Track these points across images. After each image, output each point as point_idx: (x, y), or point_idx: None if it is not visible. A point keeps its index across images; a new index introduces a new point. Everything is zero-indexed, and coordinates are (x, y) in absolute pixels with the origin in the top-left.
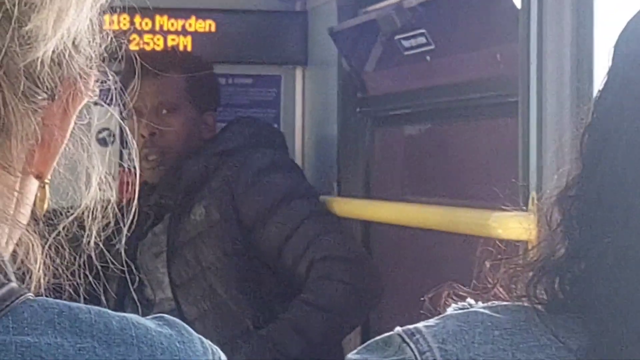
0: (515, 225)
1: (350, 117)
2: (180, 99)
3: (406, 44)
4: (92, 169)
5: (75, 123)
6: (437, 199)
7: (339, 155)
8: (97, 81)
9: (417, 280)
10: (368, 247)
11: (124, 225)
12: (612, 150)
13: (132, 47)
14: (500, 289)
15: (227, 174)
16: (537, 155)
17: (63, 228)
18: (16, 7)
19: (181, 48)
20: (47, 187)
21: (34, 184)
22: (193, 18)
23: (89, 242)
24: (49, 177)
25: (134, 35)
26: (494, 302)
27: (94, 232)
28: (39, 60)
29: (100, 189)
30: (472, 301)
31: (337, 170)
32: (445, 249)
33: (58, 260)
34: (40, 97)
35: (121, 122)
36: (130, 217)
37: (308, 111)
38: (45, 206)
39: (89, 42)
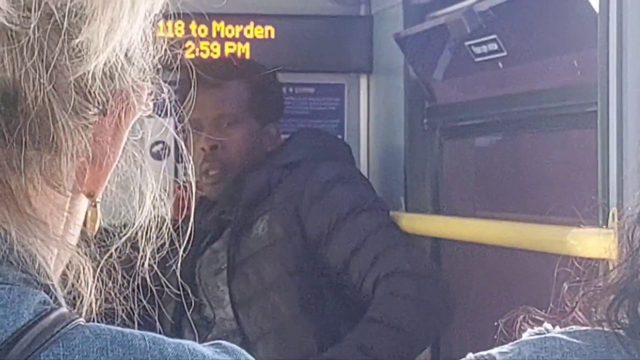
0: (594, 244)
1: (417, 127)
2: (242, 110)
3: (477, 50)
4: (146, 186)
5: (127, 138)
6: (511, 215)
7: (406, 168)
8: (150, 93)
9: (490, 301)
10: (438, 265)
11: (180, 245)
12: None
13: (188, 55)
14: (579, 313)
15: (291, 188)
16: (618, 168)
17: (116, 249)
18: (66, 18)
19: (239, 56)
20: (98, 206)
21: (84, 203)
22: (252, 24)
23: (143, 263)
24: (101, 195)
25: (190, 43)
26: (572, 327)
27: (148, 253)
28: (90, 73)
29: (154, 207)
30: (549, 326)
31: (405, 184)
32: (520, 267)
33: (111, 284)
34: (91, 112)
35: (176, 135)
36: (187, 236)
37: (373, 122)
38: (97, 226)
39: (142, 53)
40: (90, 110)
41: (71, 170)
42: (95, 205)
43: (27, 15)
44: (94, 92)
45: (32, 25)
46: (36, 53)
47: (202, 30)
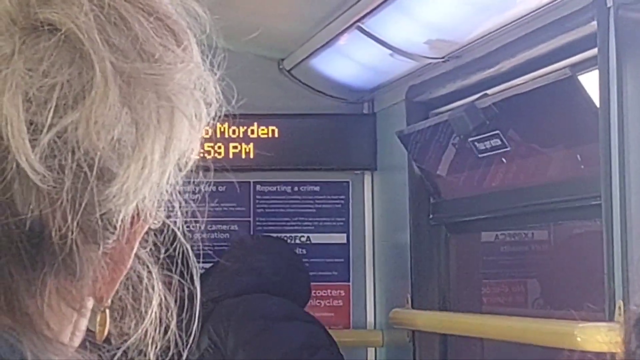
0: (601, 338)
1: (423, 223)
2: None
3: (480, 146)
4: (152, 289)
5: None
6: (518, 310)
7: (412, 264)
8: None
9: None
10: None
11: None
12: None
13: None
14: None
15: (212, 333)
16: (622, 260)
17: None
18: (95, 175)
19: (243, 155)
20: (107, 311)
21: (91, 307)
22: (255, 124)
23: None
24: (109, 302)
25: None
26: None
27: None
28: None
29: (161, 310)
30: None
31: (411, 280)
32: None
33: None
34: (110, 241)
35: (186, 244)
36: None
37: (378, 218)
38: (106, 332)
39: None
40: (110, 239)
41: (85, 289)
42: (104, 311)
43: (61, 177)
44: (116, 223)
45: (65, 187)
46: (67, 205)
47: (206, 131)
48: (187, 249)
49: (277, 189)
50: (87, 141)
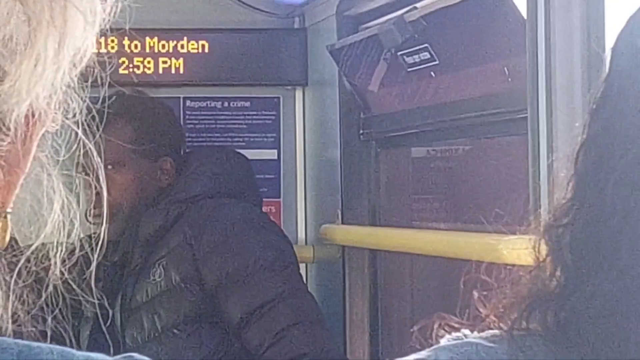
0: (526, 250)
1: (353, 139)
2: (126, 151)
3: (409, 60)
4: (53, 192)
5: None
6: (447, 224)
7: (342, 180)
8: (60, 107)
9: (428, 311)
10: (375, 275)
11: (93, 259)
12: (604, 177)
13: (122, 71)
14: (494, 319)
15: (189, 229)
16: (548, 174)
17: (26, 261)
18: None
19: (173, 70)
20: (9, 217)
21: None
22: (185, 39)
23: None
24: (10, 207)
25: (123, 59)
26: (488, 332)
27: (59, 265)
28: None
29: (63, 214)
30: (467, 332)
31: (341, 196)
32: (455, 276)
33: (22, 300)
34: (5, 143)
35: (91, 146)
36: (99, 248)
37: (309, 134)
38: (7, 239)
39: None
40: (4, 141)
41: None
42: (5, 217)
43: None
44: (9, 125)
45: None
46: None
47: (136, 46)
48: (90, 150)
49: (207, 104)
50: None
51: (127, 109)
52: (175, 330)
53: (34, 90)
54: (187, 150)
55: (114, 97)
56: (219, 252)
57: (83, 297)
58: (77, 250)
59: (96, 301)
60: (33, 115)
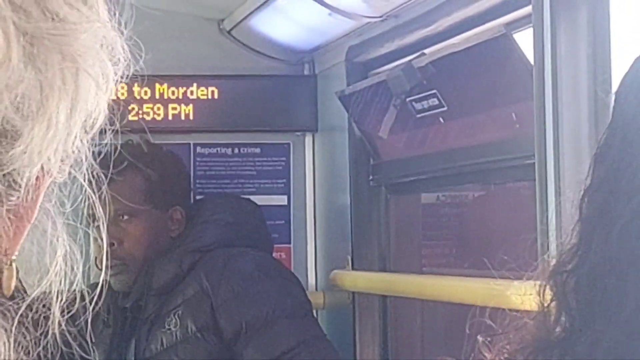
0: (531, 295)
1: (363, 184)
2: (139, 202)
3: (418, 106)
4: (57, 241)
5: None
6: (457, 270)
7: (352, 225)
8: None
9: (436, 355)
10: (385, 321)
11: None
12: (609, 223)
13: (132, 117)
14: None
15: (205, 279)
16: (555, 220)
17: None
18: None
19: (183, 117)
20: (14, 264)
21: None
22: (195, 85)
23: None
24: (15, 254)
25: (133, 105)
26: None
27: (58, 313)
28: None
29: (66, 263)
30: None
31: (351, 242)
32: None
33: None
34: (14, 198)
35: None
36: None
37: (319, 180)
38: (13, 286)
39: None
40: (13, 196)
41: None
42: (10, 264)
43: None
44: (21, 180)
45: None
46: None
47: (145, 92)
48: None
49: (217, 150)
50: None
51: (138, 159)
52: None
53: (46, 153)
54: (197, 198)
55: (124, 147)
56: (237, 302)
57: (90, 344)
58: (77, 300)
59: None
60: (44, 174)
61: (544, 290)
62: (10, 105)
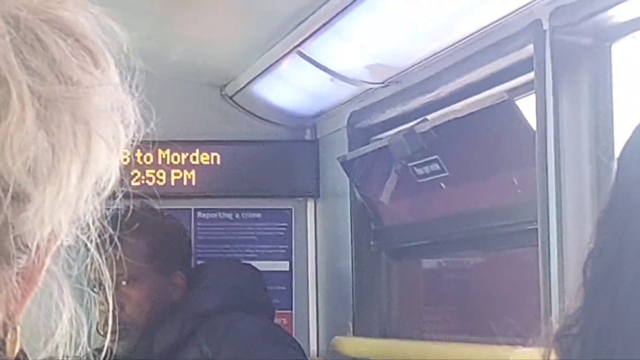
0: None
1: (364, 250)
2: (141, 267)
3: (419, 171)
4: (63, 303)
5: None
6: (459, 336)
7: (353, 291)
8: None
9: None
10: None
11: None
12: (614, 285)
13: (134, 183)
14: None
15: (207, 345)
16: (559, 284)
17: None
18: (9, 201)
19: (185, 182)
20: (19, 328)
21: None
22: (197, 151)
23: None
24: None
25: (135, 171)
26: None
27: None
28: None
29: (71, 325)
30: None
31: (353, 308)
32: None
33: None
34: (23, 261)
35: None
36: None
37: (321, 245)
38: (17, 350)
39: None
40: (22, 259)
41: (0, 310)
42: (15, 328)
43: None
44: (29, 244)
45: None
46: None
47: (148, 158)
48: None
49: (218, 215)
50: (1, 165)
51: (140, 225)
52: None
53: (56, 216)
54: (197, 263)
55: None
56: None
57: None
58: None
59: None
60: (53, 237)
61: (549, 355)
62: (22, 167)
